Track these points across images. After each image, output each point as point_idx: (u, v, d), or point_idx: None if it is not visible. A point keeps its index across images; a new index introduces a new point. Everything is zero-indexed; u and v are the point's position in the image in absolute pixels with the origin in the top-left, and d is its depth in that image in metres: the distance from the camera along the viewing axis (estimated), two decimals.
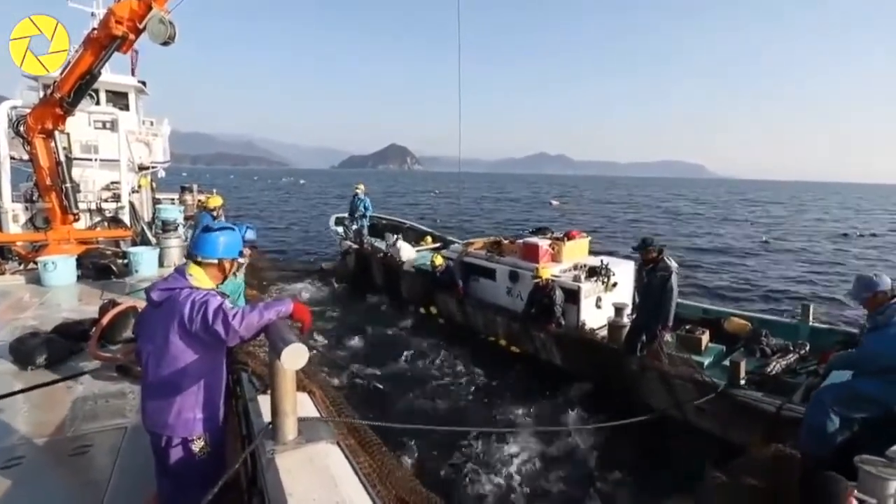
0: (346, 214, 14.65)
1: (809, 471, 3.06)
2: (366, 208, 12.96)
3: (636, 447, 5.37)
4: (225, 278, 2.40)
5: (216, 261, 2.31)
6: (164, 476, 2.26)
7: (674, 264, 5.89)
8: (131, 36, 6.97)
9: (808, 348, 6.15)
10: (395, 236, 11.79)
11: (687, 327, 6.56)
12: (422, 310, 9.82)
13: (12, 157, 10.00)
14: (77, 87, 7.62)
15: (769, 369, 5.60)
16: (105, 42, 7.08)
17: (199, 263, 2.29)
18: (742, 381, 5.16)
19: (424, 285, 9.95)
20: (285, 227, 26.78)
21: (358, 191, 13.04)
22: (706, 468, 3.69)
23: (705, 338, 6.44)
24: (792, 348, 6.14)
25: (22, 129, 8.30)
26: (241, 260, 2.59)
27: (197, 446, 2.16)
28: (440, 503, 2.26)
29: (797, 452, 3.36)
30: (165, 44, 6.78)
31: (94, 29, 7.28)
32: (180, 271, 2.25)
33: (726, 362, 6.19)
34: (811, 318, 6.82)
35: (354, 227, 13.22)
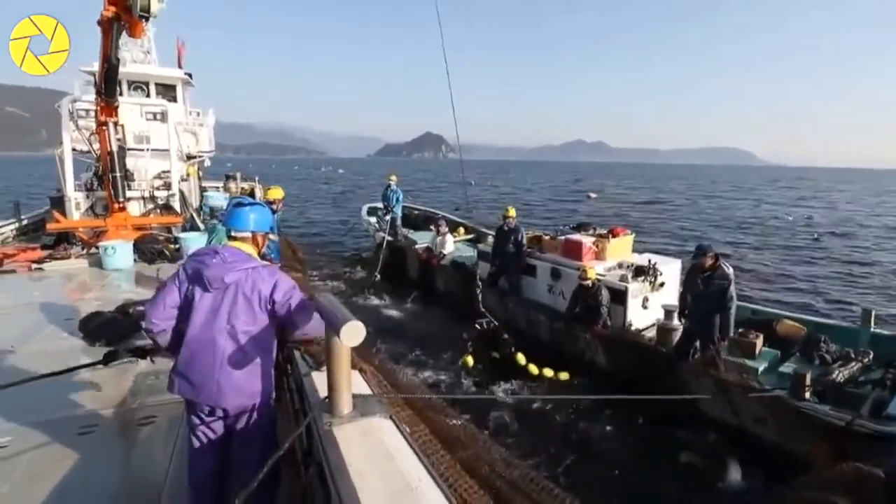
0: (377, 204, 14.70)
1: None
2: (398, 200, 12.93)
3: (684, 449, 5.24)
4: (260, 252, 2.42)
5: (249, 234, 2.33)
6: (217, 452, 2.20)
7: (731, 271, 5.65)
8: (125, 16, 6.87)
9: (871, 356, 5.73)
10: (446, 229, 11.45)
11: (740, 331, 6.27)
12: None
13: (73, 150, 10.60)
14: (105, 78, 7.82)
15: (832, 379, 5.27)
16: (107, 27, 7.11)
17: (233, 238, 2.30)
18: (807, 395, 4.87)
19: (462, 279, 9.82)
20: (326, 216, 27.30)
21: (391, 182, 13.01)
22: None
23: (759, 342, 6.13)
24: (854, 356, 5.73)
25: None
26: (272, 236, 2.66)
27: (271, 406, 2.29)
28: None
29: (879, 471, 3.16)
30: (143, 17, 6.64)
31: None
32: (234, 251, 2.21)
33: (782, 368, 5.91)
34: (873, 323, 6.38)
35: (387, 217, 13.18)
